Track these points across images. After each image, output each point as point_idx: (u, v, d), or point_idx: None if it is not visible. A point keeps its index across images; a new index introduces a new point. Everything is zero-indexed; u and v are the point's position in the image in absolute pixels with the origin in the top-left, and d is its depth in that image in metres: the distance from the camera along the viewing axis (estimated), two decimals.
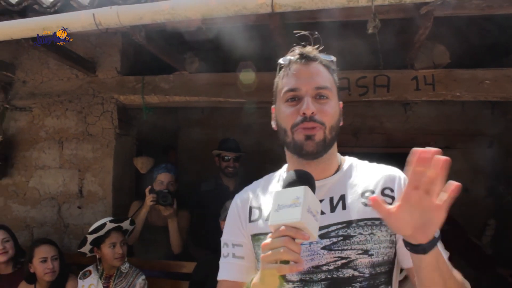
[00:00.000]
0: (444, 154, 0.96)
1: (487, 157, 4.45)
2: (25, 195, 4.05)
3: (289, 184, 1.17)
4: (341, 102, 1.40)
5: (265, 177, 1.53)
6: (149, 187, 3.58)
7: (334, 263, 1.26)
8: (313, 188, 1.16)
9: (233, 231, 1.45)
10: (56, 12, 2.86)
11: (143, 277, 3.22)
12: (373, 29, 2.41)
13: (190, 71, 3.74)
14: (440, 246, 1.12)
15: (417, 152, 0.98)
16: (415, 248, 1.07)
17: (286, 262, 1.05)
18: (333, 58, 1.41)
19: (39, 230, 3.98)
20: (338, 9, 2.45)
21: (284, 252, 1.05)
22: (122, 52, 3.95)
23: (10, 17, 2.95)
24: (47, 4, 2.94)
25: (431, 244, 1.06)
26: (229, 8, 2.40)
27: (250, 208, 1.44)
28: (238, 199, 1.50)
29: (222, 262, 1.46)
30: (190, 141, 5.50)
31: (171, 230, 3.59)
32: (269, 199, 1.40)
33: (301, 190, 1.10)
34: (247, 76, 3.48)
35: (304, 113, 1.27)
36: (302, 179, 1.17)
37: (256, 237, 1.39)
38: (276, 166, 1.56)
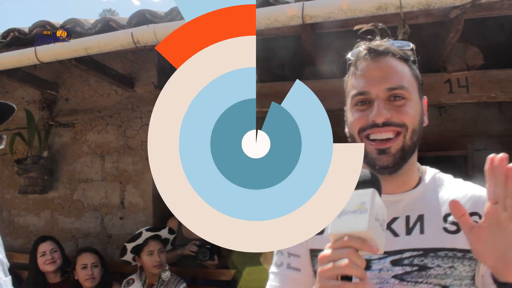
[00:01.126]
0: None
1: None
2: (70, 207, 4.21)
3: None
4: (425, 97, 1.19)
5: None
6: (198, 242, 3.58)
7: None
8: (379, 193, 0.95)
9: None
10: (97, 32, 3.00)
11: (184, 285, 3.29)
12: (403, 35, 2.41)
13: None
14: None
15: (489, 159, 0.83)
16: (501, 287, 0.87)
17: (348, 278, 0.86)
18: (411, 45, 1.15)
19: (84, 240, 4.14)
20: (368, 17, 2.48)
21: (347, 266, 0.85)
22: (159, 67, 4.04)
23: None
24: (89, 25, 3.08)
25: None
26: (261, 21, 2.46)
27: None
28: None
29: (274, 271, 1.20)
30: None
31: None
32: None
33: (368, 194, 0.91)
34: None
35: (373, 121, 1.05)
36: (368, 180, 0.94)
37: (317, 253, 1.11)
38: None
